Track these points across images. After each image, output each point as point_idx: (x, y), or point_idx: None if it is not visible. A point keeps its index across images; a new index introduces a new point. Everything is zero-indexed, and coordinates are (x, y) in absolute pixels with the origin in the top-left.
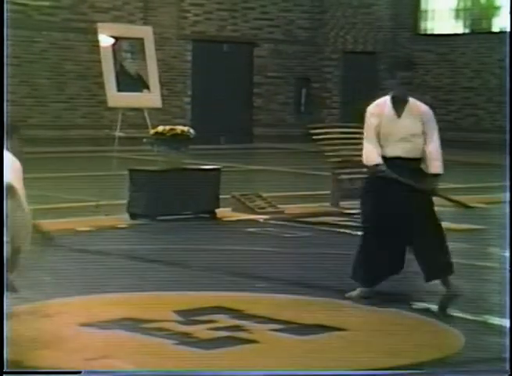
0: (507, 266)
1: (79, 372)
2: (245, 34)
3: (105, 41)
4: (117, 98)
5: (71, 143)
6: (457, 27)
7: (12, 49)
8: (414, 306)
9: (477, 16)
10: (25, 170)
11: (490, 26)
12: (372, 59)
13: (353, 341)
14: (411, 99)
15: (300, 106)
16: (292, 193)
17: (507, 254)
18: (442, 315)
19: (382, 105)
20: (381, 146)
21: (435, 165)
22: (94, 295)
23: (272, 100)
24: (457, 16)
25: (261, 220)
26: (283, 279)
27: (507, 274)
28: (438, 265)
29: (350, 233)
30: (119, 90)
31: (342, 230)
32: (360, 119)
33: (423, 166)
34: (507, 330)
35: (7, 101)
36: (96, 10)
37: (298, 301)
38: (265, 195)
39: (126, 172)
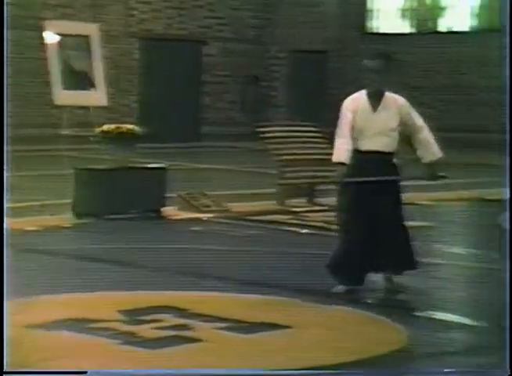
0: (507, 266)
1: (84, 372)
2: (193, 32)
3: (51, 38)
4: (63, 96)
5: (18, 142)
6: (404, 27)
7: None
8: (360, 303)
9: (424, 16)
10: None
11: (436, 26)
12: (319, 58)
13: (299, 339)
14: (387, 93)
15: (247, 105)
16: (238, 192)
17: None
18: (386, 311)
19: (358, 99)
20: (357, 140)
21: (434, 151)
22: (40, 296)
23: (220, 99)
24: (403, 16)
25: (206, 219)
26: (229, 277)
27: (507, 274)
28: (407, 258)
29: (296, 231)
30: (65, 88)
31: (288, 228)
32: (307, 118)
33: (396, 160)
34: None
35: (7, 101)
36: (45, 7)
37: (244, 300)
38: (210, 194)
39: (72, 171)
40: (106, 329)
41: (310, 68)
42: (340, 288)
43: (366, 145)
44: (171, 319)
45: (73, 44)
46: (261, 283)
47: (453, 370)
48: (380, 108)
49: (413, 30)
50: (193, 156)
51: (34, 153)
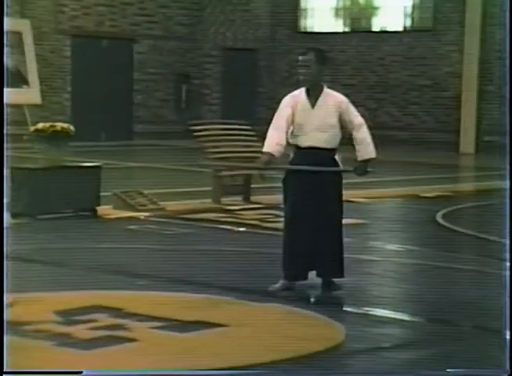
0: (507, 266)
1: (80, 372)
2: (124, 29)
3: None
4: None
5: None
6: (337, 26)
7: None
8: (296, 301)
9: (357, 15)
10: None
11: (370, 25)
12: (251, 56)
13: (234, 337)
14: (327, 90)
15: (180, 103)
16: (173, 190)
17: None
18: (321, 308)
19: (297, 96)
20: (297, 137)
21: (369, 150)
22: None
23: (152, 97)
24: (337, 15)
25: (142, 217)
26: (164, 276)
27: (507, 275)
28: (335, 263)
29: (231, 229)
30: None
31: (223, 226)
32: (239, 116)
33: (338, 156)
34: (507, 329)
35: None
36: None
37: (179, 299)
38: (146, 192)
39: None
40: (40, 330)
41: (242, 66)
42: (277, 287)
43: (306, 141)
44: (105, 319)
45: (6, 40)
46: (196, 282)
47: (454, 370)
48: (318, 104)
49: (346, 29)
50: (127, 154)
51: None
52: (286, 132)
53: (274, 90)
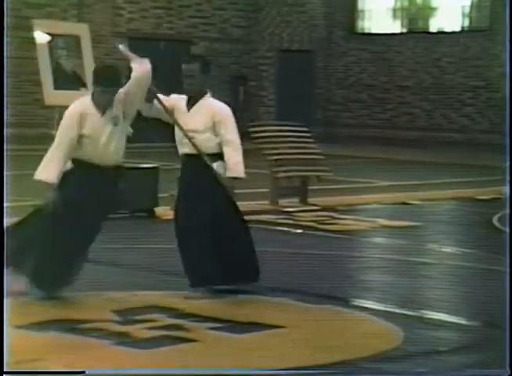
0: (507, 267)
1: (83, 372)
2: (181, 32)
3: (41, 38)
4: (53, 96)
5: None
6: (394, 27)
7: None
8: (350, 303)
9: (414, 16)
10: None
11: (427, 26)
12: (307, 58)
13: (291, 339)
14: (210, 99)
15: (236, 105)
16: None
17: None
18: (378, 310)
19: (178, 99)
20: (178, 143)
21: (232, 168)
22: (28, 296)
23: None
24: (394, 16)
25: None
26: None
27: (507, 275)
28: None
29: (288, 231)
30: (56, 88)
31: (280, 228)
32: (295, 117)
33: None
34: (507, 329)
35: (7, 102)
36: (29, 6)
37: (235, 300)
38: None
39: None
40: (98, 329)
41: (298, 68)
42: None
43: (183, 147)
44: (163, 319)
45: (64, 44)
46: (253, 284)
47: (454, 370)
48: (194, 109)
49: (403, 30)
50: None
51: (19, 152)
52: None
53: (330, 91)
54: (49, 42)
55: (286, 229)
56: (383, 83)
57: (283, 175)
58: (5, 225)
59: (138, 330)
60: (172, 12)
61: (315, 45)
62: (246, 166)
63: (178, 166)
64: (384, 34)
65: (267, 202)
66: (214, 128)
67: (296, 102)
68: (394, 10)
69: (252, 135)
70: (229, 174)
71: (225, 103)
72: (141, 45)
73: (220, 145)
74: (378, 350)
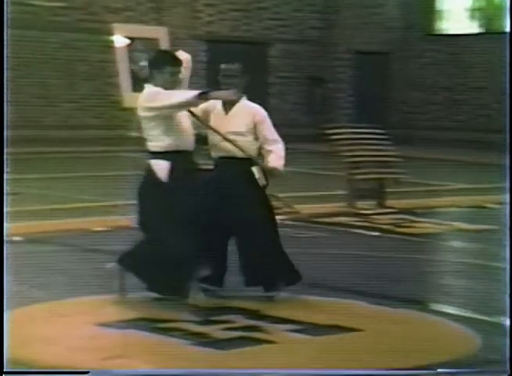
0: (507, 266)
1: (87, 372)
2: (258, 34)
3: (120, 41)
4: (132, 98)
5: (84, 143)
6: (470, 27)
7: (23, 50)
8: (428, 307)
9: (491, 16)
10: (37, 170)
11: (503, 26)
12: (384, 60)
13: (369, 342)
14: (245, 100)
15: (312, 107)
16: (307, 194)
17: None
18: (455, 315)
19: (214, 101)
20: (211, 146)
21: (279, 163)
22: (108, 295)
23: (285, 100)
24: (471, 16)
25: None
26: None
27: (507, 274)
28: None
29: (364, 234)
30: (134, 90)
31: (357, 231)
32: (371, 119)
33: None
34: (507, 330)
35: (7, 102)
36: (109, 10)
37: (312, 302)
38: (280, 195)
39: (140, 172)
40: (177, 329)
41: (374, 69)
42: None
43: (218, 151)
44: (242, 321)
45: (143, 47)
46: (328, 286)
47: (454, 370)
48: (232, 112)
49: (479, 31)
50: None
51: (98, 154)
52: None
53: (406, 94)
54: (128, 46)
55: (363, 231)
56: (458, 85)
57: (359, 177)
58: (5, 226)
59: (217, 331)
60: (250, 14)
61: (392, 47)
62: (323, 168)
63: None
64: (460, 34)
65: (344, 204)
66: (254, 131)
67: (372, 104)
68: (471, 10)
69: (329, 138)
70: (272, 164)
71: (301, 104)
72: (218, 47)
73: (258, 149)
74: (454, 355)
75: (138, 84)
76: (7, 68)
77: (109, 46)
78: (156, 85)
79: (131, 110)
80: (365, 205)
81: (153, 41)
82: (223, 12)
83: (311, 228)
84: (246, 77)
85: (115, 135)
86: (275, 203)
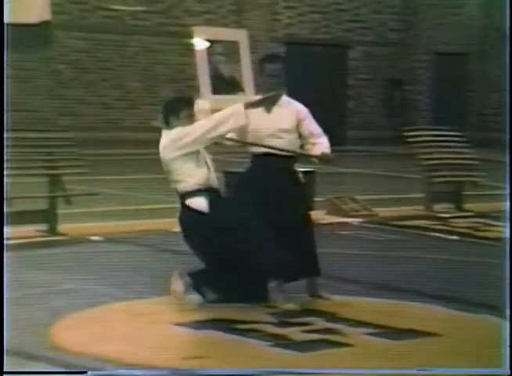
0: (507, 266)
1: (85, 372)
2: (338, 36)
3: (200, 44)
4: (211, 101)
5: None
6: None
7: (104, 53)
8: (505, 313)
9: None
10: (117, 171)
11: None
12: (463, 61)
13: (446, 347)
14: (285, 98)
15: (391, 109)
16: (385, 196)
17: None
18: None
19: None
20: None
21: (316, 148)
22: (185, 295)
23: (364, 103)
24: None
25: (355, 223)
26: (375, 282)
27: (507, 274)
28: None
29: (442, 237)
30: (213, 93)
31: (434, 234)
32: (450, 121)
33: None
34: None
35: (7, 102)
36: (189, 14)
37: (389, 305)
38: (358, 198)
39: (220, 174)
40: (255, 330)
41: (454, 71)
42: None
43: (261, 148)
44: (320, 323)
45: (222, 49)
46: (405, 290)
47: (454, 370)
48: (274, 110)
49: None
50: (339, 160)
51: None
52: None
53: (485, 95)
54: (208, 48)
55: (440, 235)
56: None
57: (437, 180)
58: (5, 226)
59: (294, 333)
60: (329, 16)
61: (471, 48)
62: (401, 171)
63: (333, 170)
64: None
65: (422, 207)
66: (297, 128)
67: (451, 106)
68: None
69: (407, 140)
70: (320, 151)
71: (380, 107)
72: (297, 49)
73: (299, 147)
74: None
75: (219, 87)
76: (7, 69)
77: (190, 49)
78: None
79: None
80: (443, 208)
81: (233, 44)
82: (302, 15)
83: (388, 231)
84: (285, 76)
85: None
86: (353, 205)
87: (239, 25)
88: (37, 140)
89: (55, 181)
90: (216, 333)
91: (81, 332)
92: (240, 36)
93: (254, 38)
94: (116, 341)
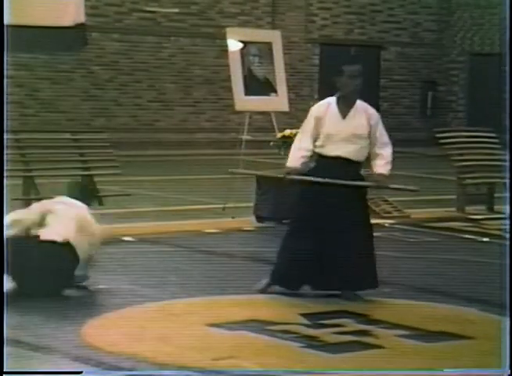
0: (507, 266)
1: (80, 372)
2: (372, 37)
3: (233, 45)
4: (244, 102)
5: (197, 146)
6: None
7: (139, 55)
8: None
9: None
10: (151, 172)
11: None
12: (498, 61)
13: (478, 350)
14: (358, 101)
15: (426, 110)
16: (417, 198)
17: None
18: None
19: (325, 105)
20: (323, 146)
21: (383, 166)
22: (219, 296)
23: (398, 104)
24: None
25: (387, 224)
26: (407, 284)
27: (507, 274)
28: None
29: (474, 239)
30: (246, 94)
31: (467, 236)
32: (485, 123)
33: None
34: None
35: (7, 102)
36: (224, 15)
37: (422, 307)
38: (390, 199)
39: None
40: (287, 331)
41: (489, 71)
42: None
43: (332, 150)
44: (352, 325)
45: (256, 51)
46: (438, 292)
47: (453, 370)
48: (349, 115)
49: None
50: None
51: (212, 157)
52: (311, 144)
53: None
54: (241, 49)
55: (472, 237)
56: None
57: (470, 181)
58: (5, 226)
59: (327, 335)
60: (364, 17)
61: (506, 48)
62: (434, 172)
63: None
64: None
65: (454, 209)
66: (369, 133)
67: (486, 107)
68: None
69: (440, 141)
70: (379, 170)
71: (414, 108)
72: (332, 50)
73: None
74: None
75: (251, 88)
76: (7, 69)
77: (224, 51)
78: None
79: (243, 113)
80: (476, 210)
81: (266, 45)
82: (337, 16)
83: (421, 232)
84: (361, 78)
85: (228, 138)
86: (384, 206)
87: (273, 26)
88: (72, 141)
89: (88, 182)
90: (248, 334)
91: (114, 331)
92: (274, 37)
93: (289, 40)
94: (150, 340)
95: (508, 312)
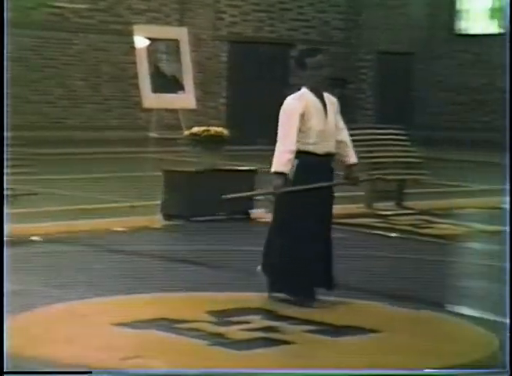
0: (507, 266)
1: (89, 372)
2: (282, 35)
3: (140, 42)
4: (151, 99)
5: (106, 144)
6: (493, 27)
7: (48, 51)
8: (446, 308)
9: None
10: (59, 171)
11: None
12: (407, 60)
13: (387, 343)
14: (324, 93)
15: None
16: None
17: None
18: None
19: (304, 100)
20: (315, 144)
21: (353, 154)
22: (128, 295)
23: None
24: (492, 16)
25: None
26: None
27: (507, 274)
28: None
29: (384, 235)
30: (154, 91)
31: (376, 232)
32: (394, 120)
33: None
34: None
35: (7, 103)
36: (133, 12)
37: (331, 303)
38: None
39: (160, 173)
40: (194, 329)
41: (397, 70)
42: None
43: (324, 147)
44: (260, 321)
45: (163, 48)
46: (347, 287)
47: (453, 370)
48: (328, 107)
49: (502, 31)
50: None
51: (121, 155)
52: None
53: (429, 94)
54: (149, 46)
55: (381, 232)
56: (483, 85)
57: (378, 177)
58: (4, 226)
59: (235, 332)
60: (274, 15)
61: (415, 47)
62: (340, 170)
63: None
64: (485, 34)
65: (363, 205)
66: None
67: (394, 105)
68: (492, 10)
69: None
70: (354, 160)
71: None
72: (241, 48)
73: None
74: (474, 357)
75: (159, 85)
76: (7, 69)
77: (132, 47)
78: None
79: (151, 111)
80: (385, 206)
81: (174, 42)
82: (246, 13)
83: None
84: (325, 69)
85: (137, 136)
86: None
87: (182, 23)
88: None
89: None
90: (156, 332)
91: (19, 333)
92: (181, 34)
93: (197, 37)
94: (57, 342)
95: (508, 312)
